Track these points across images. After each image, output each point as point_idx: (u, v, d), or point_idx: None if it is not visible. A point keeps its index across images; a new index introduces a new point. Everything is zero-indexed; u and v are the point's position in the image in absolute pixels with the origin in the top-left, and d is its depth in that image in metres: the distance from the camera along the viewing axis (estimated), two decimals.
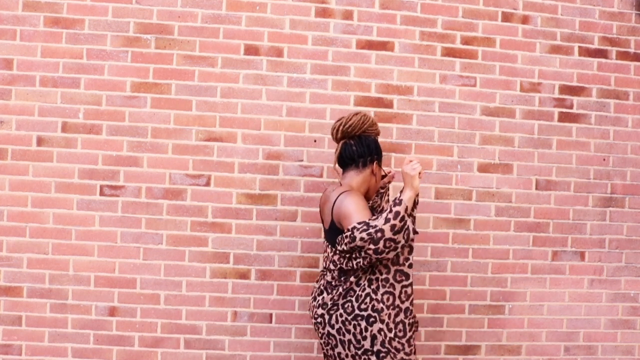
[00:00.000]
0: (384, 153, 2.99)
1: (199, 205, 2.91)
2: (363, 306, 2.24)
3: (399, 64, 3.01)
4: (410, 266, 2.30)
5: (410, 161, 2.26)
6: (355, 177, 2.39)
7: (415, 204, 2.26)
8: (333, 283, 2.33)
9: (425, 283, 3.02)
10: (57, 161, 2.85)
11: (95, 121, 2.86)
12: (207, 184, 2.91)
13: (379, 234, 2.12)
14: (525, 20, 3.08)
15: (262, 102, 2.92)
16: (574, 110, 3.11)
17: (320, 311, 2.33)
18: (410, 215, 2.21)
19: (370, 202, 2.56)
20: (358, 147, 2.37)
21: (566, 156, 3.11)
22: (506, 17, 3.07)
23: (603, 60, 3.13)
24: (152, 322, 2.89)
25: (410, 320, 2.31)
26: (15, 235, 2.83)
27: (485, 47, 3.05)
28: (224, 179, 2.91)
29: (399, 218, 2.14)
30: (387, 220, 2.13)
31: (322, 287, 2.38)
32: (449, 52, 3.03)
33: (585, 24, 3.11)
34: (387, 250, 2.15)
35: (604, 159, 3.13)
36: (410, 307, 2.30)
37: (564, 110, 3.11)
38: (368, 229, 2.13)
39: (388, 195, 2.68)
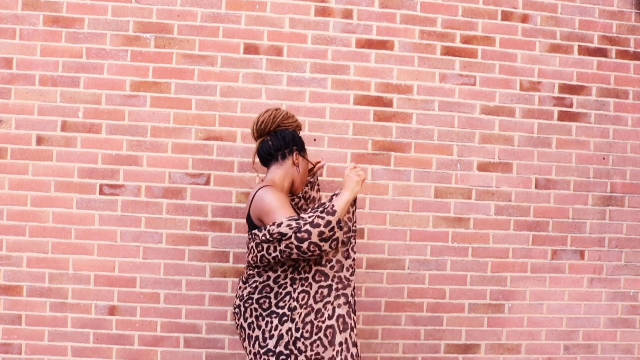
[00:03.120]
0: (383, 152, 2.99)
1: (199, 205, 2.91)
2: (281, 304, 2.22)
3: (399, 63, 3.01)
4: (340, 269, 2.22)
5: (355, 167, 2.22)
6: (277, 172, 2.37)
7: (353, 204, 2.23)
8: (251, 277, 2.31)
9: (425, 282, 3.02)
10: (57, 160, 2.85)
11: (95, 120, 2.86)
12: (207, 183, 2.91)
13: (305, 235, 2.08)
14: (525, 19, 3.07)
15: (262, 102, 2.92)
16: (574, 110, 3.11)
17: (237, 302, 2.32)
18: (342, 222, 2.15)
19: (301, 193, 2.54)
20: (274, 141, 2.35)
21: (566, 155, 3.11)
22: (506, 16, 3.06)
23: (603, 59, 3.13)
24: (152, 322, 2.89)
25: (322, 324, 2.19)
26: (15, 234, 2.83)
27: (485, 46, 3.05)
28: (224, 178, 2.91)
29: (329, 227, 2.10)
30: (316, 226, 2.09)
31: (242, 280, 2.36)
32: (449, 51, 3.03)
33: (585, 23, 3.11)
34: (309, 253, 2.11)
35: (604, 158, 3.13)
36: (323, 310, 2.20)
37: (564, 109, 3.11)
38: (295, 226, 2.10)
39: (319, 185, 2.66)
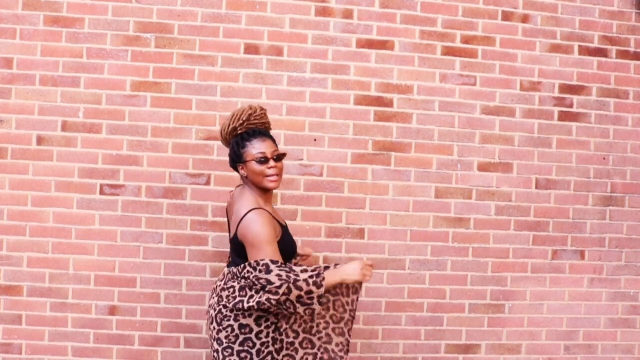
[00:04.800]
0: (383, 152, 2.99)
1: (199, 204, 2.91)
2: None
3: (399, 63, 3.01)
4: (328, 341, 2.25)
5: (372, 266, 2.21)
6: (246, 181, 2.30)
7: (355, 291, 2.26)
8: (230, 302, 2.24)
9: (425, 282, 3.02)
10: (57, 160, 2.85)
11: (95, 120, 2.86)
12: (207, 182, 2.91)
13: (283, 289, 2.05)
14: (525, 19, 3.08)
15: (262, 101, 2.92)
16: (574, 109, 3.11)
17: (215, 327, 2.24)
18: (324, 298, 2.15)
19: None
20: (229, 158, 2.31)
21: (566, 155, 3.11)
22: (506, 16, 3.07)
23: (603, 59, 3.13)
24: (152, 321, 2.89)
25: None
26: (15, 234, 2.83)
27: (485, 46, 3.05)
28: (224, 177, 2.91)
29: (309, 297, 2.07)
30: (298, 288, 2.05)
31: (221, 290, 2.28)
32: (449, 51, 3.03)
33: (585, 23, 3.11)
34: (279, 306, 2.09)
35: (604, 158, 3.13)
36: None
37: (564, 109, 3.11)
38: (285, 278, 2.06)
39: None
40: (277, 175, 2.23)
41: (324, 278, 2.10)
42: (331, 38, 2.97)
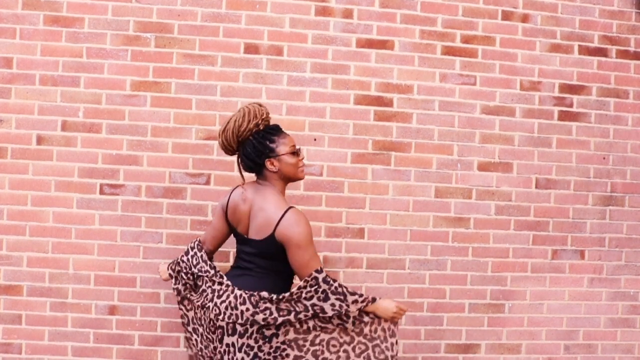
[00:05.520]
0: (383, 152, 2.99)
1: (199, 204, 2.91)
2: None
3: (399, 63, 3.01)
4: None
5: (404, 311, 2.31)
6: (271, 177, 2.30)
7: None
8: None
9: (425, 282, 3.02)
10: (57, 160, 2.85)
11: (95, 120, 2.86)
12: (207, 182, 2.91)
13: (324, 296, 2.17)
14: (525, 18, 3.07)
15: (262, 101, 2.92)
16: (574, 109, 3.11)
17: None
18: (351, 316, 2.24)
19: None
20: (245, 161, 2.30)
21: (566, 155, 3.11)
22: (506, 16, 3.06)
23: (603, 58, 3.13)
24: (152, 321, 2.89)
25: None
26: (15, 233, 2.83)
27: (485, 46, 3.05)
28: (224, 177, 2.91)
29: (340, 304, 2.18)
30: (340, 301, 2.18)
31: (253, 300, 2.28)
32: (449, 51, 3.03)
33: (585, 23, 3.11)
34: (310, 308, 2.17)
35: (604, 158, 3.13)
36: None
37: (564, 108, 3.11)
38: (335, 309, 2.17)
39: None
40: (304, 166, 2.34)
41: (359, 307, 2.20)
42: (331, 38, 2.97)
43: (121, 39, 2.87)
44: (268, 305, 2.18)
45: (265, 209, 2.22)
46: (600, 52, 3.12)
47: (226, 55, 2.91)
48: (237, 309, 2.18)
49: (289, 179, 2.30)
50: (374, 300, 2.25)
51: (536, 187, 3.09)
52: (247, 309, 2.17)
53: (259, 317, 2.16)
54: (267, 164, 2.25)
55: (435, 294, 3.03)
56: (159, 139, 2.89)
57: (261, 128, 2.27)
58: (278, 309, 2.18)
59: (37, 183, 2.84)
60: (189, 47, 2.90)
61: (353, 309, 2.18)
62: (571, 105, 3.11)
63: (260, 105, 2.30)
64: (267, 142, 2.25)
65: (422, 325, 3.01)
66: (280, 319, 2.16)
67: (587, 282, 3.12)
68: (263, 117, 2.27)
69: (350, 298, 2.18)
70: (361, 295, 2.21)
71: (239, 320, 2.17)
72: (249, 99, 2.91)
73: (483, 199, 3.05)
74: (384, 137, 2.99)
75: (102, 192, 2.87)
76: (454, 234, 3.04)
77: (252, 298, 2.19)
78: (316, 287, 2.15)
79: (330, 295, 2.15)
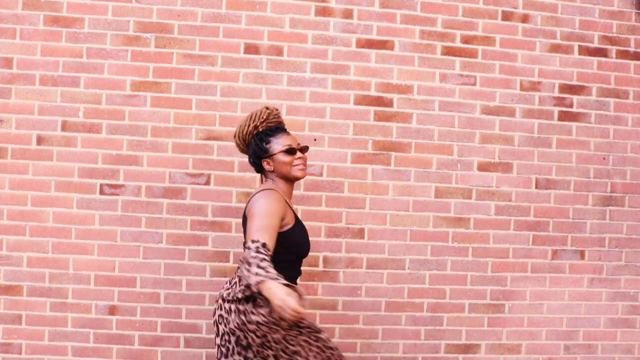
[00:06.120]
0: (383, 152, 2.99)
1: (199, 204, 2.91)
2: None
3: (399, 63, 3.01)
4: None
5: (300, 316, 1.92)
6: (269, 175, 2.33)
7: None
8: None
9: (425, 282, 3.02)
10: (57, 160, 2.85)
11: (95, 120, 2.86)
12: (207, 182, 2.91)
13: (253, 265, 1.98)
14: (525, 19, 3.08)
15: (262, 101, 2.92)
16: (574, 109, 3.11)
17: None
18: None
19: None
20: (250, 159, 2.36)
21: (566, 155, 3.11)
22: (506, 16, 3.07)
23: (603, 59, 3.13)
24: (152, 321, 2.89)
25: None
26: (15, 234, 2.83)
27: (485, 46, 3.05)
28: (224, 177, 2.91)
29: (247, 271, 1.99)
30: (260, 268, 1.96)
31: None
32: (449, 51, 3.03)
33: (585, 23, 3.11)
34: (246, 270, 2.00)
35: (604, 158, 3.13)
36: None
37: (564, 109, 3.11)
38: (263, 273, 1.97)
39: None
40: (304, 165, 2.30)
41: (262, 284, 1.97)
42: (331, 38, 2.97)
43: (121, 39, 2.87)
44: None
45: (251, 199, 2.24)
46: (600, 52, 3.12)
47: (226, 55, 2.92)
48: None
49: (285, 177, 2.30)
50: (287, 286, 1.97)
51: (536, 187, 3.09)
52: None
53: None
54: (264, 164, 2.30)
55: (435, 294, 3.03)
56: (159, 139, 2.89)
57: (260, 130, 2.31)
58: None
59: (37, 183, 2.84)
60: (189, 48, 2.90)
61: (252, 281, 1.97)
62: (571, 106, 3.11)
63: (267, 107, 2.34)
64: (263, 144, 2.29)
65: (422, 325, 3.01)
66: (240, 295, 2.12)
67: (587, 282, 3.12)
68: (263, 119, 2.30)
69: (254, 270, 1.97)
70: (269, 273, 1.96)
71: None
72: (249, 99, 2.91)
73: (483, 199, 3.05)
74: (384, 137, 2.99)
75: (102, 192, 2.87)
76: (454, 234, 3.04)
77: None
78: (243, 264, 2.02)
79: (250, 260, 1.98)
